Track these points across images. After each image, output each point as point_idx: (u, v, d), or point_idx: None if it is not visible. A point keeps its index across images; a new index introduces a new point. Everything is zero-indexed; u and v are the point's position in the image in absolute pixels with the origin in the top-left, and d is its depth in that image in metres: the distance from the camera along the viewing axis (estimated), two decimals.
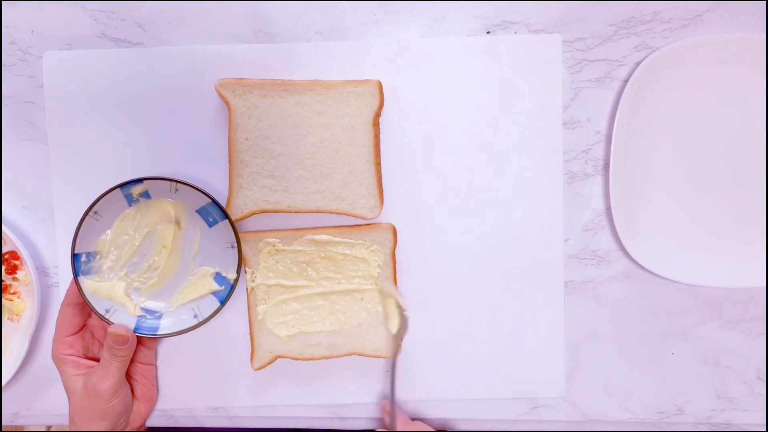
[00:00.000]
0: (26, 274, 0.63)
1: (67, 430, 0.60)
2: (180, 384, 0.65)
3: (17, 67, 0.63)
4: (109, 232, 0.61)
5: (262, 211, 0.60)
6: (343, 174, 0.60)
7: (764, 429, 0.66)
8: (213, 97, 0.61)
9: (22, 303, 0.63)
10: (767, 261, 0.63)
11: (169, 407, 0.65)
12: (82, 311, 0.61)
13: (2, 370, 0.63)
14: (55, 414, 0.66)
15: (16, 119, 0.64)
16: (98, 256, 0.61)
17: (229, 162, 0.60)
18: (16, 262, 0.63)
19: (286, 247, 0.61)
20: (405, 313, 0.60)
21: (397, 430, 0.59)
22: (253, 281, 0.62)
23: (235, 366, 0.64)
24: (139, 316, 0.61)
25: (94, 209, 0.58)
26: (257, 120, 0.60)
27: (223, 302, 0.61)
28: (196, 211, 0.61)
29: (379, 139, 0.61)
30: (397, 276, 0.62)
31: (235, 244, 0.60)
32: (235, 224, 0.59)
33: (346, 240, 0.61)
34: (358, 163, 0.60)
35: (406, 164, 0.63)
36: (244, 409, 0.66)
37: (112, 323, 0.59)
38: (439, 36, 0.63)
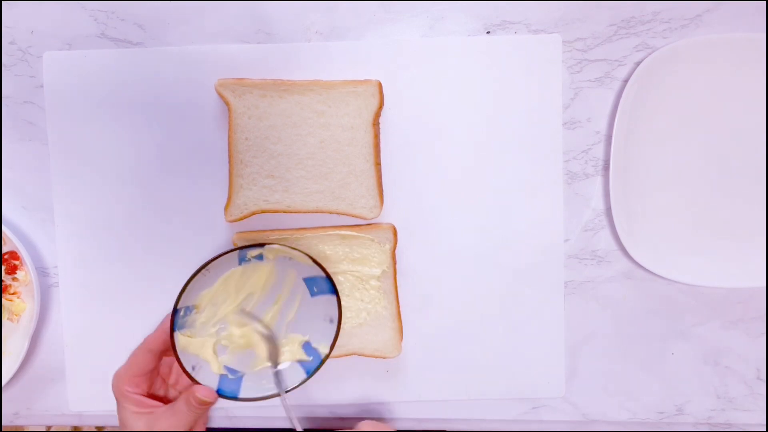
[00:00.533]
0: (26, 274, 0.63)
1: None
2: None
3: (17, 67, 0.63)
4: (212, 287, 0.58)
5: (262, 211, 0.60)
6: (343, 174, 0.60)
7: (764, 429, 0.66)
8: (213, 97, 0.61)
9: (22, 303, 0.63)
10: (767, 261, 0.63)
11: None
12: (159, 357, 0.58)
13: (2, 370, 0.63)
14: (55, 414, 0.66)
15: (16, 119, 0.64)
16: (195, 310, 0.58)
17: (229, 162, 0.60)
18: (16, 262, 0.63)
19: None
20: (267, 334, 0.60)
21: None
22: None
23: None
24: (221, 375, 0.58)
25: (209, 266, 0.56)
26: (257, 120, 0.60)
27: (309, 374, 0.58)
28: (303, 279, 0.59)
29: (379, 139, 0.61)
30: (397, 276, 0.62)
31: (335, 319, 0.58)
32: (341, 302, 0.58)
33: (346, 238, 0.61)
34: (358, 163, 0.60)
35: (406, 164, 0.63)
36: (244, 409, 0.66)
37: (198, 383, 0.56)
38: (439, 36, 0.63)
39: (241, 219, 0.60)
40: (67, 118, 0.63)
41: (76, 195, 0.63)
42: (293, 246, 0.58)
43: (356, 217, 0.61)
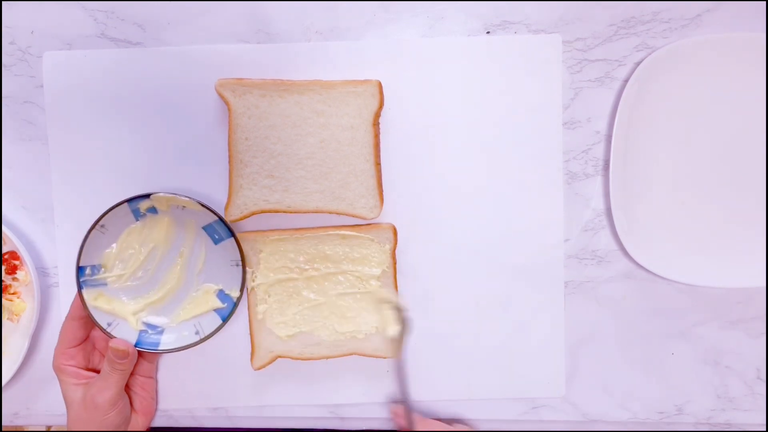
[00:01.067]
0: (26, 274, 0.63)
1: None
2: (180, 384, 0.65)
3: (17, 67, 0.63)
4: (114, 245, 0.61)
5: (262, 211, 0.60)
6: (343, 174, 0.60)
7: (764, 429, 0.66)
8: (213, 97, 0.61)
9: (22, 303, 0.63)
10: (767, 261, 0.63)
11: (169, 407, 0.65)
12: (86, 324, 0.61)
13: (2, 370, 0.63)
14: (54, 414, 0.66)
15: (16, 119, 0.64)
16: (103, 269, 0.61)
17: (229, 162, 0.60)
18: (16, 262, 0.63)
19: (286, 247, 0.61)
20: (405, 313, 0.60)
21: (417, 430, 0.59)
22: (253, 281, 0.62)
23: (236, 366, 0.64)
24: (141, 331, 0.61)
25: (100, 222, 0.58)
26: (257, 120, 0.60)
27: (225, 319, 0.61)
28: (203, 228, 0.61)
29: (379, 139, 0.61)
30: (397, 276, 0.62)
31: (240, 262, 0.60)
32: (241, 242, 0.59)
33: (346, 238, 0.61)
34: (358, 163, 0.60)
35: (406, 164, 0.63)
36: (244, 409, 0.66)
37: (114, 337, 0.59)
38: (439, 36, 0.63)
39: (241, 219, 0.60)
40: (67, 118, 0.63)
41: (76, 195, 0.63)
42: (185, 195, 0.58)
43: (356, 217, 0.61)
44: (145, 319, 0.62)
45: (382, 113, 0.62)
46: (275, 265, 0.61)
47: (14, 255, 0.62)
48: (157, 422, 0.66)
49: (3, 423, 0.66)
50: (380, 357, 0.62)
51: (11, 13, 0.63)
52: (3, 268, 0.62)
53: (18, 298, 0.63)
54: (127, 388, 0.62)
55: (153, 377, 0.64)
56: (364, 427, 0.66)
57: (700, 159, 0.64)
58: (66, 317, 0.61)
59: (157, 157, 0.63)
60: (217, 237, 0.61)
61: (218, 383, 0.65)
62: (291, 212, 0.60)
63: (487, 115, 0.63)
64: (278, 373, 0.64)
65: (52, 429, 1.21)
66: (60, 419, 0.66)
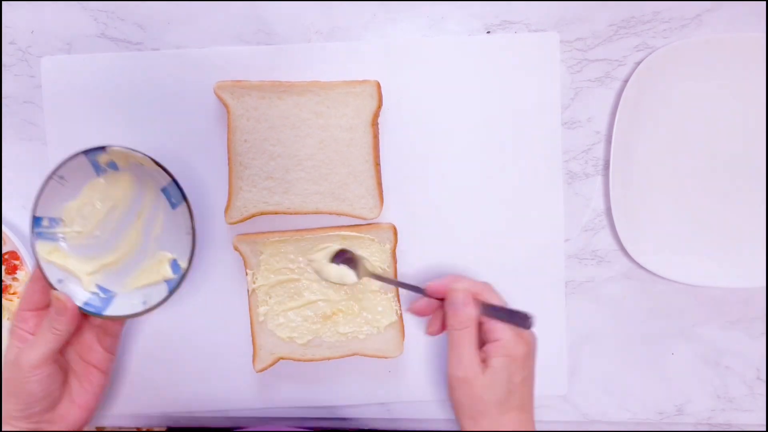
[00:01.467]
0: (26, 274, 0.63)
1: None
2: (181, 386, 0.65)
3: (17, 67, 0.63)
4: (75, 199, 0.58)
5: (262, 213, 0.60)
6: (342, 175, 0.60)
7: (764, 429, 0.66)
8: (212, 99, 0.61)
9: None
10: (767, 261, 0.63)
11: (170, 409, 0.65)
12: (46, 289, 0.56)
13: (2, 369, 0.63)
14: None
15: (16, 119, 0.64)
16: (62, 222, 0.58)
17: (229, 164, 0.60)
18: (16, 262, 0.63)
19: (287, 248, 0.61)
20: (348, 251, 0.60)
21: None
22: (254, 283, 0.62)
23: (237, 368, 0.64)
24: (92, 293, 0.58)
25: (59, 173, 0.55)
26: (256, 122, 0.59)
27: (170, 291, 0.57)
28: (161, 190, 0.58)
29: (379, 140, 0.61)
30: (398, 276, 0.62)
31: (191, 231, 0.56)
32: (192, 209, 0.56)
33: (347, 239, 0.61)
34: (358, 164, 0.60)
35: (406, 164, 0.63)
36: (244, 409, 0.66)
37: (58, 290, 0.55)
38: (439, 36, 0.63)
39: (241, 221, 0.60)
40: (66, 120, 0.63)
41: None
42: (138, 151, 0.55)
43: (356, 217, 0.61)
44: (98, 282, 0.59)
45: (382, 113, 0.62)
46: (276, 266, 0.61)
47: (14, 255, 0.62)
48: (157, 422, 0.66)
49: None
50: (381, 357, 0.62)
51: (11, 13, 0.63)
52: (3, 268, 0.63)
53: (18, 298, 0.63)
54: (73, 374, 0.57)
55: (106, 372, 0.59)
56: (364, 427, 0.66)
57: (700, 159, 0.64)
58: (28, 280, 0.56)
59: (156, 158, 0.63)
60: (173, 201, 0.58)
61: (220, 386, 0.65)
62: (291, 213, 0.60)
63: (486, 114, 0.63)
64: (280, 374, 0.64)
65: None
66: None
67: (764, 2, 0.62)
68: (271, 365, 0.62)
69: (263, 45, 0.63)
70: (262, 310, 0.62)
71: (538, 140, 0.63)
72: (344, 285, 0.61)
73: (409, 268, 0.64)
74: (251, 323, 0.62)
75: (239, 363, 0.64)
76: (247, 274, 0.62)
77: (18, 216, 0.64)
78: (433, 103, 0.62)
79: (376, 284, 0.62)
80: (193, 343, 0.64)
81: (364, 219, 0.61)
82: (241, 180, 0.60)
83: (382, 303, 0.62)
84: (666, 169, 0.64)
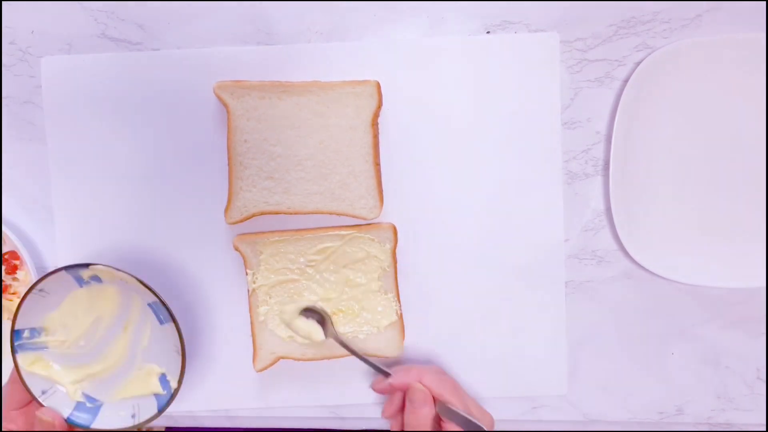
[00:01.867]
0: (26, 274, 0.63)
1: None
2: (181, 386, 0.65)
3: (17, 67, 0.63)
4: (57, 309, 0.57)
5: (262, 213, 0.60)
6: (342, 175, 0.60)
7: (764, 429, 0.66)
8: (212, 99, 0.61)
9: None
10: (767, 261, 0.63)
11: (169, 409, 0.65)
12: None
13: (2, 370, 0.63)
14: None
15: (16, 119, 0.64)
16: (44, 332, 0.57)
17: (229, 164, 0.60)
18: (16, 262, 0.63)
19: (287, 248, 0.61)
20: (318, 308, 0.61)
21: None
22: (254, 282, 0.62)
23: (237, 367, 0.64)
24: (77, 402, 0.57)
25: (38, 287, 0.54)
26: (256, 122, 0.59)
27: (160, 410, 0.57)
28: (148, 305, 0.58)
29: (378, 140, 0.61)
30: (398, 276, 0.62)
31: (180, 350, 0.56)
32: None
33: (347, 239, 0.61)
34: (358, 164, 0.60)
35: (406, 164, 0.63)
36: (245, 409, 0.66)
37: (43, 406, 0.56)
38: (439, 36, 0.63)
39: (241, 221, 0.60)
40: (66, 120, 0.63)
41: (76, 195, 0.63)
42: (124, 271, 0.55)
43: (356, 217, 0.61)
44: (84, 390, 0.58)
45: (382, 113, 0.62)
46: (276, 266, 0.61)
47: (14, 255, 0.62)
48: (158, 422, 0.66)
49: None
50: (381, 357, 0.62)
51: (11, 13, 0.63)
52: (3, 268, 0.63)
53: (18, 298, 0.63)
54: None
55: None
56: (364, 427, 0.66)
57: (700, 159, 0.64)
58: (9, 379, 0.57)
59: (156, 158, 0.63)
60: (161, 317, 0.58)
61: (220, 386, 0.65)
62: (291, 213, 0.60)
63: (486, 114, 0.63)
64: (280, 374, 0.64)
65: None
66: None
67: (764, 2, 0.62)
68: (271, 365, 0.62)
69: (263, 45, 0.63)
70: (262, 309, 0.62)
71: (538, 140, 0.63)
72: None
73: (409, 268, 0.63)
74: (251, 323, 0.62)
75: (239, 363, 0.64)
76: (247, 274, 0.62)
77: (18, 216, 0.64)
78: (433, 103, 0.62)
79: (377, 284, 0.62)
80: (193, 343, 0.64)
81: (364, 219, 0.61)
82: (241, 180, 0.60)
83: (382, 303, 0.62)
84: (666, 169, 0.64)
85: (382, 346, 0.62)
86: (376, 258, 0.61)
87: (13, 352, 0.55)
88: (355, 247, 0.61)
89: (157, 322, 0.58)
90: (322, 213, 0.61)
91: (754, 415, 0.66)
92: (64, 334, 0.58)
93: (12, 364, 0.56)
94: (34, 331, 0.57)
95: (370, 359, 0.61)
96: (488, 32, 0.63)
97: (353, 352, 0.60)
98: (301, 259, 0.61)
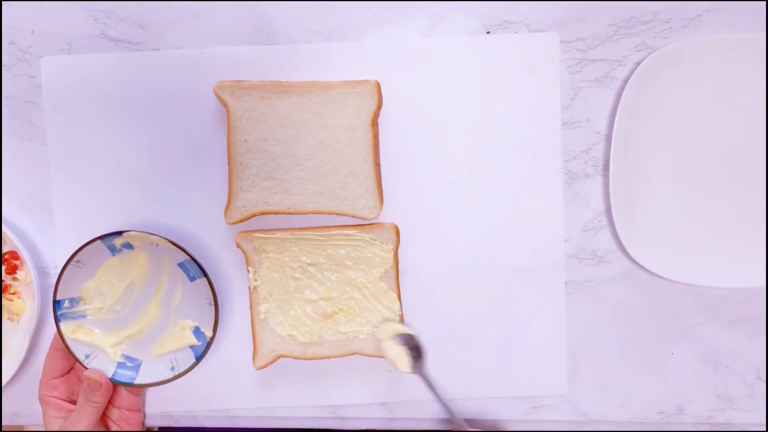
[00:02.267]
0: (26, 274, 0.63)
1: None
2: (181, 385, 0.64)
3: (17, 67, 0.63)
4: (92, 279, 0.61)
5: (262, 213, 0.60)
6: (342, 175, 0.60)
7: (764, 429, 0.66)
8: (212, 99, 0.61)
9: (22, 303, 0.63)
10: (767, 261, 0.63)
11: (169, 408, 0.65)
12: (69, 356, 0.60)
13: (2, 370, 0.63)
14: None
15: (16, 119, 0.64)
16: (82, 301, 0.61)
17: (229, 164, 0.60)
18: (16, 262, 0.63)
19: (288, 246, 0.61)
20: (417, 340, 0.61)
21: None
22: (255, 280, 0.62)
23: (237, 366, 0.64)
24: (119, 363, 0.61)
25: (76, 258, 0.58)
26: (256, 122, 0.60)
27: (198, 358, 0.60)
28: (178, 265, 0.61)
29: (378, 140, 0.61)
30: (399, 274, 0.62)
31: (213, 302, 0.59)
32: (213, 283, 0.59)
33: (349, 238, 0.61)
34: (358, 164, 0.60)
35: (406, 164, 0.63)
36: (244, 409, 0.66)
37: (87, 369, 0.60)
38: (439, 36, 0.63)
39: (241, 221, 0.60)
40: (66, 120, 0.63)
41: (76, 195, 0.63)
42: (154, 233, 0.59)
43: (356, 217, 0.61)
44: (123, 352, 0.62)
45: (382, 113, 0.62)
46: (277, 264, 0.61)
47: (14, 255, 0.62)
48: (158, 422, 0.66)
49: (3, 422, 0.66)
50: (382, 357, 0.62)
51: (11, 13, 0.63)
52: (3, 268, 0.63)
53: (18, 298, 0.63)
54: (111, 421, 0.62)
55: (140, 410, 0.64)
56: (364, 427, 0.66)
57: (700, 159, 0.64)
58: (49, 348, 0.61)
59: (156, 158, 0.63)
60: (191, 275, 0.61)
61: (220, 384, 0.65)
62: (291, 213, 0.60)
63: (486, 114, 0.63)
64: (279, 373, 0.64)
65: None
66: None
67: (764, 2, 0.62)
68: (271, 362, 0.62)
69: (263, 45, 0.63)
70: (263, 307, 0.62)
71: (538, 140, 0.63)
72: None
73: (410, 268, 0.64)
74: (252, 321, 0.62)
75: (239, 361, 0.64)
76: (248, 272, 0.62)
77: (18, 216, 0.64)
78: (433, 103, 0.62)
79: (378, 284, 0.62)
80: None
81: (364, 219, 0.61)
82: (241, 180, 0.60)
83: (383, 303, 0.62)
84: (666, 169, 0.64)
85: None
86: (378, 258, 0.61)
87: (57, 321, 0.59)
88: (357, 246, 0.61)
89: (188, 280, 0.61)
90: (322, 213, 0.61)
91: (754, 415, 0.66)
92: (100, 302, 0.61)
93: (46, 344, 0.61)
94: (74, 301, 0.60)
95: (454, 412, 0.61)
96: (488, 32, 0.63)
97: (438, 398, 0.61)
98: (303, 258, 0.61)
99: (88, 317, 0.61)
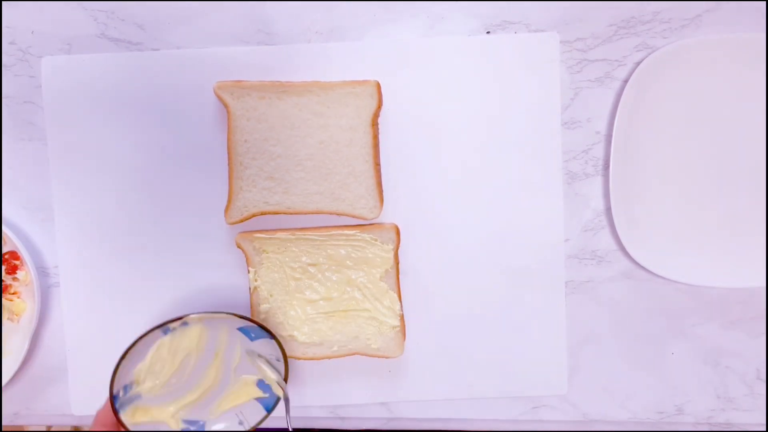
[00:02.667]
0: (26, 274, 0.63)
1: None
2: None
3: (17, 67, 0.63)
4: (143, 362, 0.57)
5: (262, 213, 0.60)
6: (342, 175, 0.60)
7: (764, 429, 0.66)
8: (212, 99, 0.61)
9: (22, 303, 0.63)
10: (767, 261, 0.63)
11: None
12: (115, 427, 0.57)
13: (2, 370, 0.63)
14: (55, 414, 0.66)
15: (16, 119, 0.64)
16: (134, 384, 0.57)
17: (229, 164, 0.60)
18: (16, 262, 0.63)
19: (288, 246, 0.61)
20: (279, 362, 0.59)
21: None
22: (256, 281, 0.62)
23: None
24: (181, 430, 0.59)
25: (134, 346, 0.56)
26: (256, 122, 0.60)
27: (269, 409, 0.59)
28: (238, 329, 0.59)
29: (378, 140, 0.61)
30: (399, 274, 0.62)
31: (281, 358, 0.58)
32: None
33: (349, 238, 0.61)
34: (358, 164, 0.60)
35: (406, 164, 0.63)
36: None
37: None
38: (439, 36, 0.63)
39: (242, 221, 0.60)
40: (66, 120, 0.63)
41: (76, 195, 0.63)
42: (217, 311, 0.57)
43: (356, 217, 0.61)
44: (183, 417, 0.59)
45: (382, 113, 0.62)
46: (278, 264, 0.62)
47: (14, 255, 0.62)
48: None
49: (3, 423, 0.66)
50: (382, 357, 0.63)
51: (11, 13, 0.63)
52: (3, 268, 0.63)
53: (18, 298, 0.63)
54: None
55: None
56: (364, 427, 0.66)
57: (700, 159, 0.64)
58: (93, 424, 0.56)
59: (156, 158, 0.63)
60: (253, 335, 0.59)
61: None
62: (291, 213, 0.60)
63: (486, 115, 0.63)
64: None
65: (52, 429, 1.22)
66: (60, 419, 0.67)
67: (764, 2, 0.62)
68: None
69: (263, 45, 0.63)
70: (263, 308, 0.62)
71: (538, 140, 0.63)
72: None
73: (410, 268, 0.64)
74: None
75: None
76: (249, 272, 0.62)
77: (18, 216, 0.64)
78: (433, 103, 0.62)
79: (379, 284, 0.62)
80: None
81: (364, 219, 0.61)
82: (241, 180, 0.60)
83: (383, 303, 0.62)
84: (666, 169, 0.64)
85: (383, 346, 0.62)
86: (379, 258, 0.61)
87: (116, 413, 0.55)
88: (357, 247, 0.61)
89: (248, 341, 0.59)
90: (322, 213, 0.61)
91: (754, 415, 0.66)
92: (153, 380, 0.58)
93: None
94: (127, 387, 0.57)
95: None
96: (488, 32, 0.63)
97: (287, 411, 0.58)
98: (304, 258, 0.62)
99: (143, 397, 0.57)
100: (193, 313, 0.57)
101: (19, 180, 0.64)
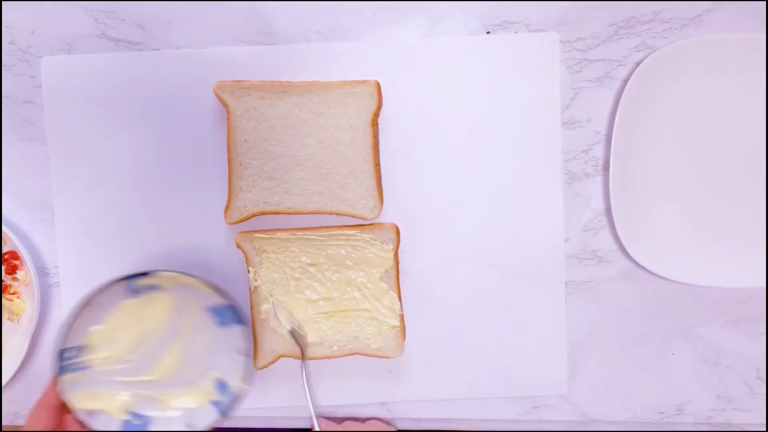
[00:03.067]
0: (26, 274, 0.63)
1: None
2: None
3: (17, 67, 0.63)
4: (102, 324, 0.52)
5: (262, 213, 0.60)
6: (342, 175, 0.60)
7: (764, 429, 0.66)
8: (212, 99, 0.61)
9: (22, 303, 0.63)
10: (767, 261, 0.63)
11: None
12: (60, 412, 0.51)
13: (2, 370, 0.63)
14: None
15: (16, 119, 0.64)
16: (86, 350, 0.52)
17: (229, 164, 0.60)
18: (16, 262, 0.63)
19: (288, 246, 0.61)
20: (300, 331, 0.60)
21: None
22: (256, 280, 0.62)
23: None
24: (125, 421, 0.52)
25: (90, 303, 0.51)
26: (256, 122, 0.60)
27: (223, 414, 0.53)
28: (205, 308, 0.55)
29: (378, 140, 0.61)
30: (399, 274, 0.62)
31: (250, 353, 0.54)
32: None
33: (350, 238, 0.61)
34: (358, 164, 0.60)
35: (406, 164, 0.63)
36: (244, 409, 0.66)
37: (90, 428, 0.51)
38: (439, 36, 0.63)
39: (242, 221, 0.60)
40: (66, 120, 0.63)
41: (76, 195, 0.63)
42: (187, 273, 0.52)
43: (356, 217, 0.61)
44: (130, 408, 0.53)
45: (382, 113, 0.62)
46: (278, 264, 0.62)
47: (14, 255, 0.62)
48: None
49: (3, 423, 0.66)
50: (382, 357, 0.63)
51: (11, 13, 0.63)
52: (3, 268, 0.63)
53: (18, 298, 0.63)
54: None
55: None
56: None
57: (700, 159, 0.64)
58: (36, 404, 0.51)
59: (156, 158, 0.63)
60: (221, 320, 0.54)
61: None
62: (291, 213, 0.60)
63: (486, 115, 0.63)
64: (280, 373, 0.64)
65: None
66: None
67: (764, 2, 0.62)
68: (271, 363, 0.62)
69: (263, 45, 0.63)
70: (263, 308, 0.62)
71: (538, 140, 0.63)
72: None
73: (410, 268, 0.64)
74: (252, 321, 0.62)
75: None
76: (249, 272, 0.62)
77: (18, 216, 0.64)
78: (433, 103, 0.62)
79: (379, 284, 0.62)
80: None
81: (364, 219, 0.61)
82: (241, 180, 0.60)
83: (383, 303, 0.62)
84: (666, 169, 0.64)
85: (383, 346, 0.62)
86: (379, 258, 0.61)
87: (58, 374, 0.50)
88: (357, 247, 0.61)
89: (215, 325, 0.55)
90: (322, 213, 0.61)
91: (754, 415, 0.66)
92: (107, 350, 0.53)
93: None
94: (78, 350, 0.52)
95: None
96: (488, 32, 0.63)
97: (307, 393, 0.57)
98: (304, 258, 0.61)
99: (91, 368, 0.52)
100: (164, 270, 0.52)
101: (19, 180, 0.64)
